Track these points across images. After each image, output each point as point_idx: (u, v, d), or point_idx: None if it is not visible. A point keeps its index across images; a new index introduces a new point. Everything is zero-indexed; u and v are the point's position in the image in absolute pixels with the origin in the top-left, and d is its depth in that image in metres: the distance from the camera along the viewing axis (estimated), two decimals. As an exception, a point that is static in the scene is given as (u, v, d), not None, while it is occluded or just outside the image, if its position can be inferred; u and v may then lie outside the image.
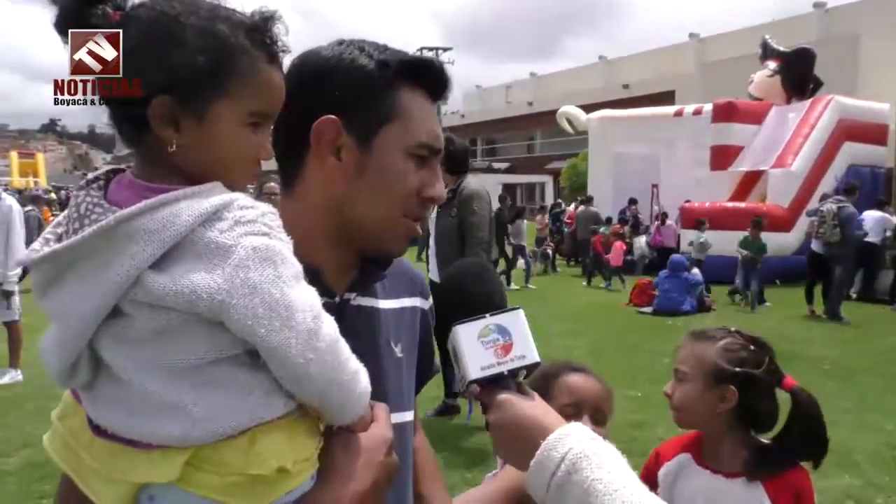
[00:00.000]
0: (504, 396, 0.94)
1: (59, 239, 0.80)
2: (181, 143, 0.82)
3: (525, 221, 16.43)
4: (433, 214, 5.60)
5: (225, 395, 0.78)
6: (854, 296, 12.41)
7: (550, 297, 13.42)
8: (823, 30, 29.39)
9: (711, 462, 1.81)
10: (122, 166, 0.88)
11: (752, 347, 1.80)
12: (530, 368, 0.96)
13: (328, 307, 1.00)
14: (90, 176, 0.86)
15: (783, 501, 1.73)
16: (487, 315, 0.97)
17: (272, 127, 0.92)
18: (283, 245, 0.81)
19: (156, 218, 0.76)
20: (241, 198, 0.81)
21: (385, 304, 1.19)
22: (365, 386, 0.88)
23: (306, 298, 0.80)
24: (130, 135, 0.85)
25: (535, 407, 0.94)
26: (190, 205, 0.77)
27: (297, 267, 0.82)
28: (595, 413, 1.54)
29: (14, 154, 51.74)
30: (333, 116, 1.04)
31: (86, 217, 0.79)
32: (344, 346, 0.85)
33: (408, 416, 1.20)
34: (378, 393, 1.05)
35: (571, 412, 1.49)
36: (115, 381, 0.79)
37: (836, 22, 30.62)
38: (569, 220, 20.27)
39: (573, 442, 0.86)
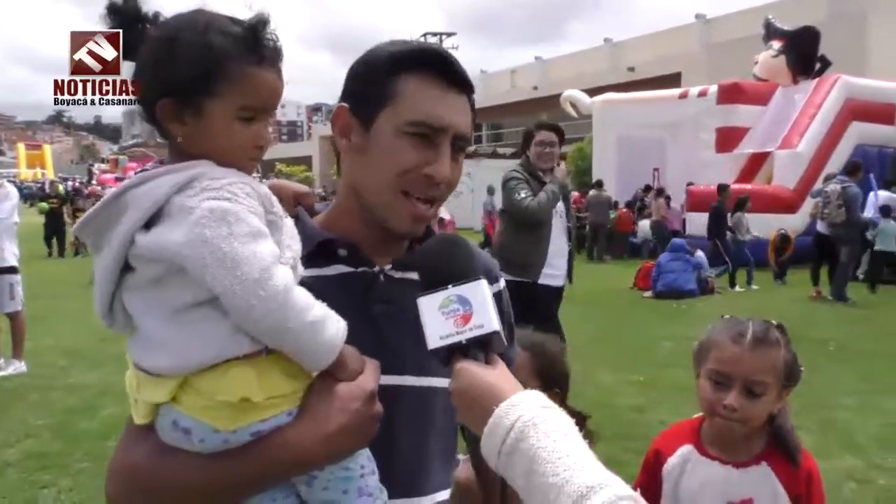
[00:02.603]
0: (462, 364, 0.95)
1: None
2: (185, 135, 1.00)
3: (746, 214, 13.24)
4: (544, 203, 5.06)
5: (200, 333, 0.94)
6: (861, 276, 12.32)
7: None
8: (831, 8, 28.99)
9: (720, 452, 1.76)
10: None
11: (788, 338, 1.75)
12: (490, 337, 0.97)
13: (365, 276, 1.19)
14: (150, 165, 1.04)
15: (798, 483, 1.70)
16: (450, 286, 0.99)
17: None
18: (243, 208, 0.94)
19: (142, 189, 0.95)
20: (213, 171, 0.97)
21: None
22: (331, 336, 0.98)
23: (257, 254, 0.92)
24: (158, 130, 1.03)
25: (493, 374, 0.95)
26: (168, 178, 0.95)
27: (254, 228, 0.94)
28: None
29: (21, 145, 52.18)
30: (344, 104, 1.20)
31: None
32: (300, 299, 0.96)
33: (437, 381, 1.21)
34: (408, 356, 1.16)
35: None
36: (135, 325, 1.00)
37: (844, 0, 30.25)
38: (574, 205, 20.21)
39: (523, 409, 0.87)
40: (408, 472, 1.19)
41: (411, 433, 1.19)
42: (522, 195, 5.02)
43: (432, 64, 1.17)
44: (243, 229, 0.92)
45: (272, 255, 0.95)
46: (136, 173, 1.01)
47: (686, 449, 1.80)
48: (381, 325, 1.16)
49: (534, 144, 5.25)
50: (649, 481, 1.84)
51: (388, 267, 1.21)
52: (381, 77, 1.16)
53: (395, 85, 1.15)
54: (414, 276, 1.21)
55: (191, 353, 0.93)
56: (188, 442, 0.95)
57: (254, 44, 1.00)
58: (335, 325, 0.99)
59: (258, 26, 1.01)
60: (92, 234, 1.00)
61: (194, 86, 0.97)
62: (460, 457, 1.85)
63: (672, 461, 1.80)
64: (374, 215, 1.19)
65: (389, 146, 1.14)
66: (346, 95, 1.21)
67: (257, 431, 0.95)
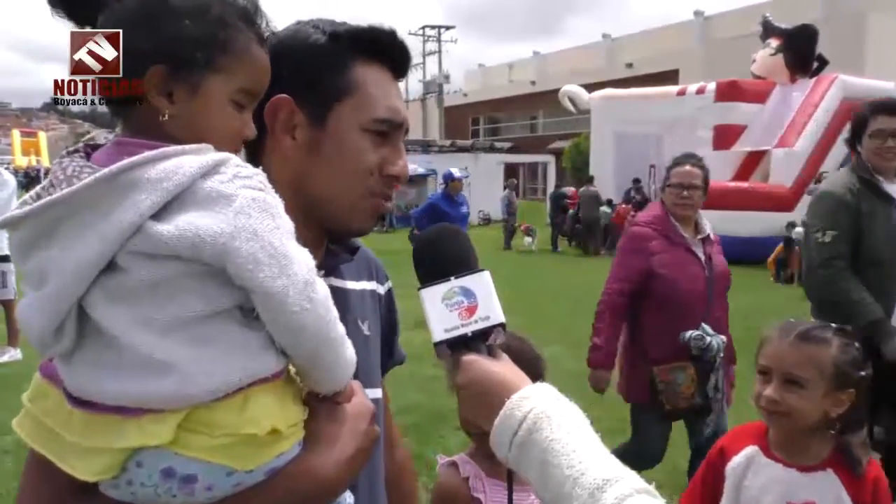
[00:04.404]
0: (470, 357, 0.94)
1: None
2: (173, 114, 0.84)
3: None
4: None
5: (218, 350, 0.77)
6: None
7: (550, 277, 13.41)
8: (829, 7, 29.01)
9: (784, 455, 1.76)
10: (101, 142, 0.89)
11: (857, 345, 1.74)
12: (495, 329, 0.95)
13: None
14: (70, 148, 0.86)
15: (864, 492, 1.70)
16: (452, 278, 0.96)
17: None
18: (278, 202, 0.82)
19: (158, 168, 0.76)
20: (235, 157, 0.83)
21: (352, 285, 1.22)
22: (352, 353, 0.89)
23: (302, 252, 0.82)
24: (120, 104, 0.86)
25: (501, 366, 0.94)
26: (191, 158, 0.78)
27: (291, 225, 0.82)
28: None
29: (16, 132, 51.69)
30: (286, 95, 1.04)
31: (74, 177, 0.78)
32: (333, 306, 0.85)
33: (376, 392, 1.21)
34: (357, 368, 1.07)
35: None
36: (102, 344, 0.77)
37: (843, -1, 30.26)
38: (570, 201, 20.23)
39: (536, 401, 0.86)
40: (366, 493, 1.15)
41: None
42: (820, 238, 3.16)
43: (388, 52, 1.08)
44: (287, 224, 0.81)
45: (310, 257, 0.84)
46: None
47: (751, 449, 1.81)
48: None
49: (868, 136, 3.17)
50: (711, 478, 1.86)
51: (320, 273, 1.14)
52: (334, 66, 1.05)
53: (353, 75, 1.05)
54: (335, 282, 1.16)
55: (209, 375, 0.75)
56: (186, 493, 0.77)
57: (256, 19, 0.90)
58: (349, 341, 0.90)
59: (256, 2, 0.91)
60: (46, 225, 0.77)
61: (196, 56, 0.83)
62: (440, 458, 1.84)
63: (736, 460, 1.82)
64: (329, 216, 1.09)
65: (352, 146, 1.05)
66: (286, 84, 1.02)
67: (272, 469, 0.82)
